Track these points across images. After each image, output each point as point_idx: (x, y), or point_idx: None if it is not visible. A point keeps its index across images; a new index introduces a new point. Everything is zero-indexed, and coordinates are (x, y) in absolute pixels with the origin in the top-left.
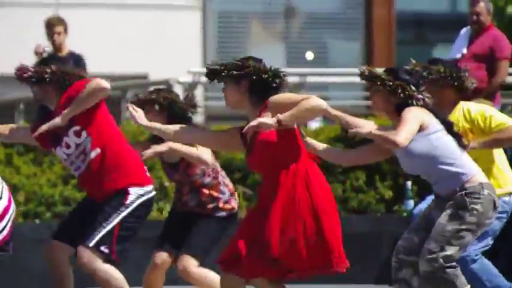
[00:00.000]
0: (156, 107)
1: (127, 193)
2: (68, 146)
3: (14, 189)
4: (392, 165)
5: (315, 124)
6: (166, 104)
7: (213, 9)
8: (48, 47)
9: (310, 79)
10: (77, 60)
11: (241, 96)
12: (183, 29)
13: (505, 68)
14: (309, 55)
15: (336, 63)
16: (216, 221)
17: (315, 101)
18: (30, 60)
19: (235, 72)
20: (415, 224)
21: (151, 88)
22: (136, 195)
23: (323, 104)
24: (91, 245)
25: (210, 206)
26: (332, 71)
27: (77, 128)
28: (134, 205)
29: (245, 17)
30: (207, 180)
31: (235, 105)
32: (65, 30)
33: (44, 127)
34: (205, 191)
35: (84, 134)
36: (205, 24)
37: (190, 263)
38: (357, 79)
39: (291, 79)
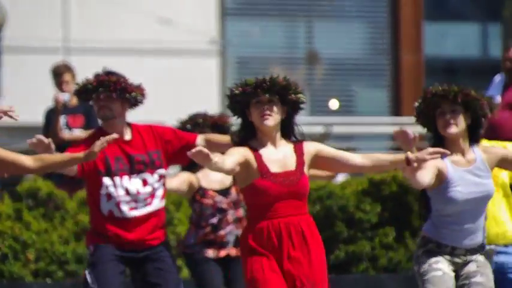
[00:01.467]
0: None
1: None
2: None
3: (23, 246)
4: (423, 220)
5: (341, 176)
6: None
7: (232, 55)
8: (67, 95)
9: (337, 129)
10: (88, 110)
11: (279, 122)
12: (201, 75)
13: None
14: (333, 104)
15: (363, 112)
16: None
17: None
18: (37, 111)
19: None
20: None
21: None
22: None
23: None
24: None
25: None
26: (359, 120)
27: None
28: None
29: (266, 63)
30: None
31: (273, 129)
32: (73, 78)
33: None
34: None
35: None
36: (224, 70)
37: None
38: (385, 129)
39: (315, 129)
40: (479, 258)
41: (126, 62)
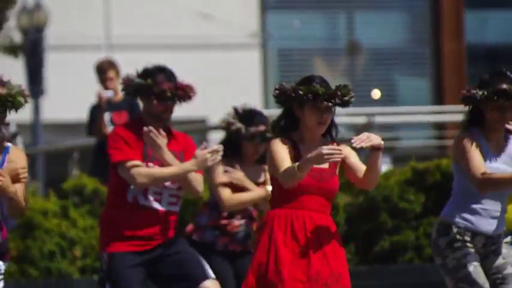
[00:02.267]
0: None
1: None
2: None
3: (70, 243)
4: None
5: (384, 167)
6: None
7: (273, 47)
8: (110, 92)
9: (378, 119)
10: (132, 106)
11: None
12: (242, 69)
13: None
14: (376, 94)
15: (405, 101)
16: None
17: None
18: (83, 108)
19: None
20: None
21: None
22: None
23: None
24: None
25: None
26: (401, 109)
27: None
28: None
29: (307, 54)
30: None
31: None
32: (117, 74)
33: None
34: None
35: None
36: (266, 62)
37: None
38: (427, 118)
39: (357, 119)
40: (503, 250)
41: (167, 57)
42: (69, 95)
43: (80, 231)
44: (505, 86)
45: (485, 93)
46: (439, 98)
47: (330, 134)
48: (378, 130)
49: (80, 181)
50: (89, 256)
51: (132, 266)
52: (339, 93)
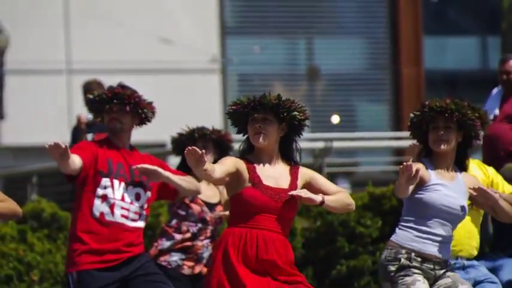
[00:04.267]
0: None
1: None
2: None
3: (28, 268)
4: None
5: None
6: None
7: (233, 72)
8: (90, 115)
9: (337, 144)
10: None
11: (276, 140)
12: (203, 94)
13: None
14: (335, 119)
15: (364, 126)
16: None
17: (351, 199)
18: (42, 132)
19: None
20: None
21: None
22: None
23: (353, 204)
24: None
25: None
26: (360, 135)
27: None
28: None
29: (266, 79)
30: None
31: (268, 146)
32: None
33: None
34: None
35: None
36: (226, 88)
37: None
38: (386, 143)
39: (316, 144)
40: (450, 273)
41: (128, 82)
42: (29, 119)
43: (37, 256)
44: (431, 101)
45: (418, 114)
46: (397, 123)
47: (292, 159)
48: (336, 155)
49: (39, 205)
50: (46, 280)
51: (101, 287)
52: (256, 99)
